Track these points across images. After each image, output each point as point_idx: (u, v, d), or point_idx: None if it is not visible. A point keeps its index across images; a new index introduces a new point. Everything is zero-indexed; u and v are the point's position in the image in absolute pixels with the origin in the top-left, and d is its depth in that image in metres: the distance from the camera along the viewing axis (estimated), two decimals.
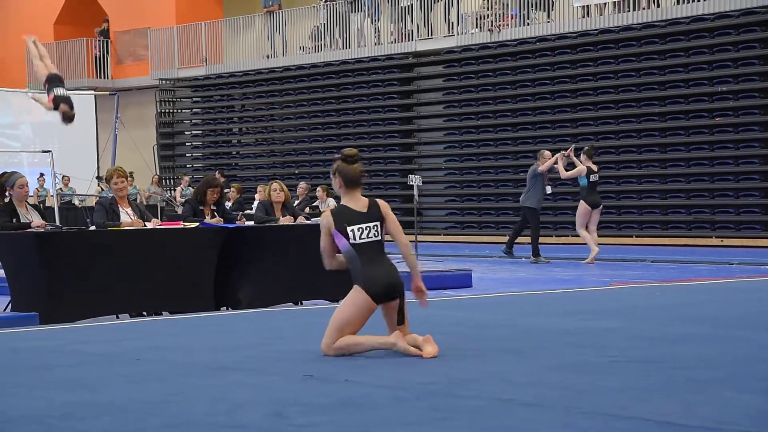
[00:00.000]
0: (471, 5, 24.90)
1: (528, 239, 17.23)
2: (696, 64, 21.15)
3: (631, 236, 21.70)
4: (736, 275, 13.56)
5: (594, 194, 16.67)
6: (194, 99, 30.61)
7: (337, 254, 6.24)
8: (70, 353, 6.72)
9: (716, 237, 20.62)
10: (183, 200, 21.57)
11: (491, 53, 24.07)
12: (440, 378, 5.35)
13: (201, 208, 10.46)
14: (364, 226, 6.15)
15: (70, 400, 4.96)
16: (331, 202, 17.28)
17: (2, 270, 9.87)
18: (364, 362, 5.89)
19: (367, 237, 6.14)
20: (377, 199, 6.32)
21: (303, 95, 27.54)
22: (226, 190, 15.48)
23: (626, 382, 5.23)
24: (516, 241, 17.63)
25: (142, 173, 27.00)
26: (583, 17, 22.88)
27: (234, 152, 30.42)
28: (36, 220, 9.71)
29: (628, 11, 22.19)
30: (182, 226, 9.98)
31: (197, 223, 10.03)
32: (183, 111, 31.08)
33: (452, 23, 24.99)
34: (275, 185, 11.20)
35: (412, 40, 25.49)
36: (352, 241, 6.12)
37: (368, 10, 26.53)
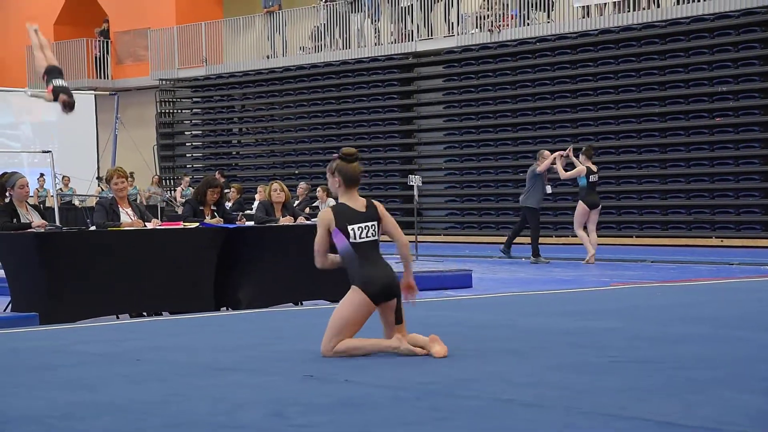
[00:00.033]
0: (471, 5, 24.88)
1: (528, 239, 17.23)
2: (696, 65, 21.14)
3: (631, 236, 21.69)
4: (736, 275, 13.56)
5: (593, 194, 16.65)
6: (194, 99, 30.60)
7: (330, 254, 6.23)
8: (70, 353, 6.71)
9: (716, 237, 20.61)
10: (183, 200, 21.57)
11: (491, 53, 24.06)
12: (440, 378, 5.35)
13: (201, 208, 10.46)
14: (363, 225, 6.15)
15: (70, 400, 4.96)
16: (331, 203, 17.27)
17: (2, 270, 9.87)
18: (364, 362, 5.89)
19: (366, 236, 6.15)
20: (372, 200, 6.34)
21: (303, 95, 27.53)
22: (226, 191, 15.46)
23: (626, 382, 5.23)
24: (515, 241, 17.63)
25: (142, 173, 27.01)
26: (583, 17, 22.87)
27: (234, 152, 30.41)
28: (36, 221, 9.71)
29: (628, 11, 22.18)
30: (182, 227, 9.98)
31: (197, 224, 10.03)
32: (183, 111, 31.07)
33: (452, 23, 24.98)
34: (275, 185, 11.20)
35: (412, 40, 25.49)
36: (351, 240, 6.12)
37: (368, 10, 26.51)
